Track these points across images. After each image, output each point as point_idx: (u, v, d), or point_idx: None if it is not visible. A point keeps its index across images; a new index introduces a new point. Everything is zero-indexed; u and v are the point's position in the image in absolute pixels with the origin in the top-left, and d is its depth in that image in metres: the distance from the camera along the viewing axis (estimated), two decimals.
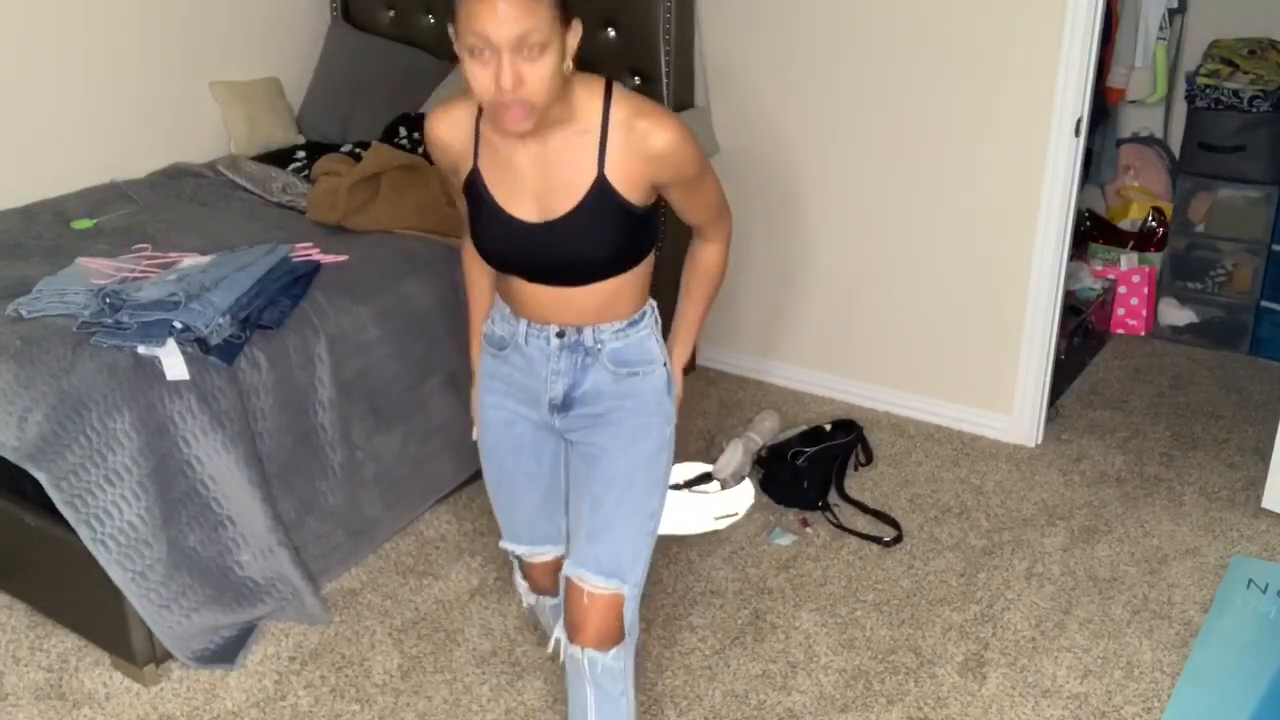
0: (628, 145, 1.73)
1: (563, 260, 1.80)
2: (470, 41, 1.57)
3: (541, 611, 2.36)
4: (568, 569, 1.92)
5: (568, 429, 1.95)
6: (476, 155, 1.80)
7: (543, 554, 2.13)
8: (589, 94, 1.73)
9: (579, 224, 1.76)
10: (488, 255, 1.86)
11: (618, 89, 1.76)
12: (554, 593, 2.19)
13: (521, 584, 2.26)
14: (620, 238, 1.80)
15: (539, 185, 1.77)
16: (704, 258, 2.03)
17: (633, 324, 1.89)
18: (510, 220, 1.79)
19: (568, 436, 1.97)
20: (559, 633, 1.96)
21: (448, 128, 1.82)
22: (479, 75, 1.60)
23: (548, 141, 1.74)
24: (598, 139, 1.73)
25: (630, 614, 1.92)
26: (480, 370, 2.02)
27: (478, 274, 2.05)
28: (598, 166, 1.74)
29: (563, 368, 1.89)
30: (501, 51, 1.56)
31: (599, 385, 1.90)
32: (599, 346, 1.88)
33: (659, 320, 1.97)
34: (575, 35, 1.66)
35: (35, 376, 2.32)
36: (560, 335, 1.87)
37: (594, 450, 1.92)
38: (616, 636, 1.91)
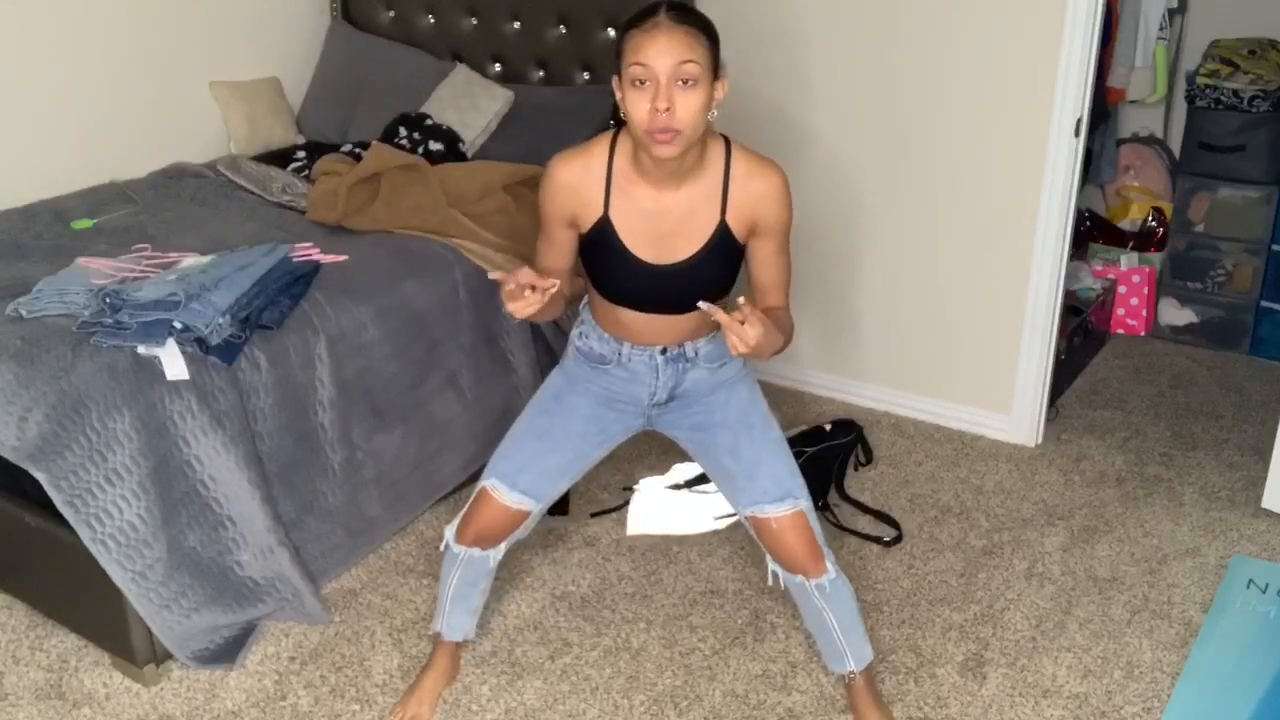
0: (743, 191, 1.98)
1: (679, 295, 2.02)
2: (634, 72, 1.82)
3: (456, 569, 2.30)
4: (745, 511, 2.13)
5: (661, 418, 2.20)
6: (608, 204, 1.98)
7: (520, 503, 2.18)
8: (715, 148, 1.99)
9: (701, 265, 2.01)
10: (609, 294, 2.08)
11: (736, 145, 2.02)
12: (483, 547, 2.23)
13: (451, 532, 2.26)
14: (728, 274, 2.06)
15: (667, 230, 1.99)
16: (772, 312, 2.12)
17: (719, 327, 2.08)
18: (639, 263, 2.01)
19: (659, 425, 2.21)
20: (774, 566, 2.15)
21: (579, 171, 2.01)
22: (637, 102, 1.83)
23: (680, 189, 1.97)
24: (721, 188, 1.98)
25: (815, 525, 2.13)
26: (572, 373, 2.22)
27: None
28: (720, 213, 1.98)
29: (665, 376, 2.15)
30: (660, 78, 1.80)
31: (697, 381, 2.16)
32: (696, 353, 2.14)
33: None
34: (722, 90, 1.91)
35: (35, 376, 2.32)
36: (664, 352, 2.12)
37: (699, 418, 2.17)
38: (819, 553, 2.11)
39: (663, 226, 1.99)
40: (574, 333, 2.25)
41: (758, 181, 1.99)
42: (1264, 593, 2.75)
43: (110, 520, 2.30)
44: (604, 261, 2.04)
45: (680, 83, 1.81)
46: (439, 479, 3.04)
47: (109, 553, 2.30)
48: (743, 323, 1.80)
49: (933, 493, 3.20)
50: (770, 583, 2.19)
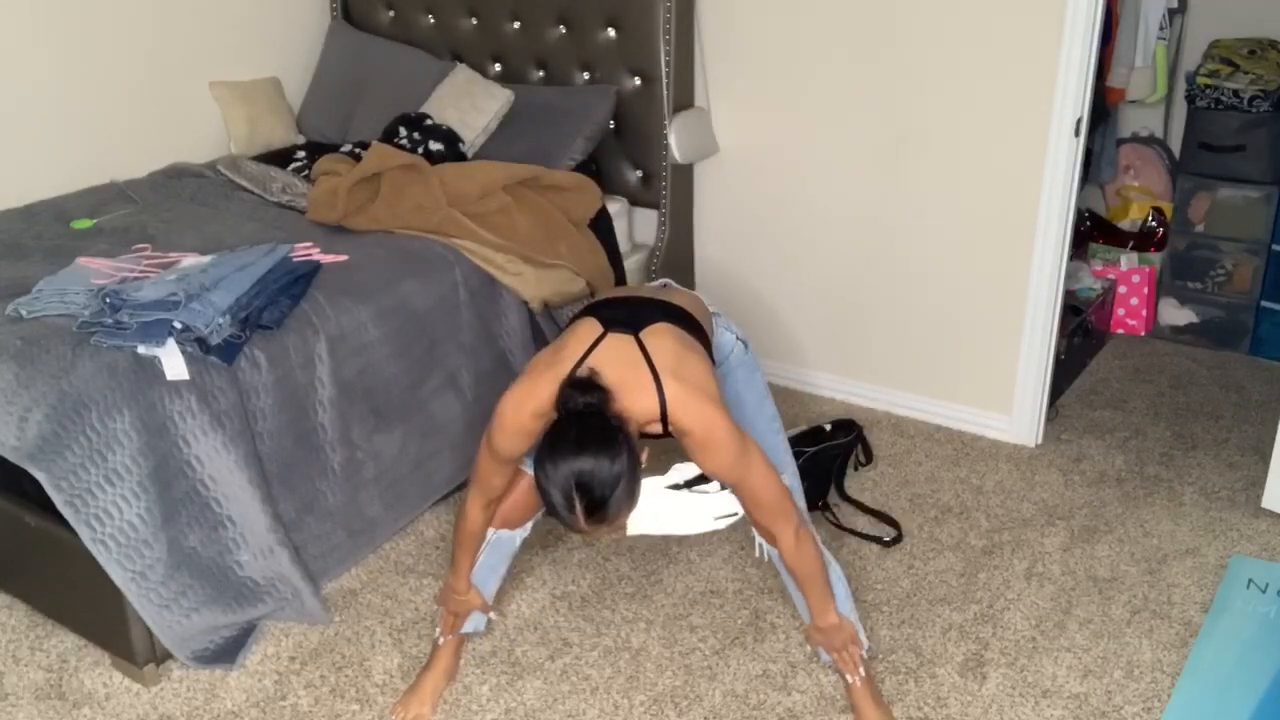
0: (680, 436, 2.05)
1: None
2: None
3: (502, 548, 2.43)
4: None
5: None
6: None
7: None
8: (645, 402, 2.00)
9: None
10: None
11: (667, 385, 2.01)
12: (514, 525, 2.37)
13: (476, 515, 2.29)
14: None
15: None
16: (784, 556, 2.21)
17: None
18: None
19: None
20: (760, 540, 2.25)
21: (529, 417, 2.04)
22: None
23: None
24: (659, 421, 2.02)
25: (800, 502, 2.24)
26: None
27: (477, 527, 2.29)
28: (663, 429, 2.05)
29: None
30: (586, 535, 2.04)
31: None
32: None
33: (720, 313, 2.43)
34: (644, 456, 1.96)
35: (35, 376, 2.32)
36: None
37: None
38: (793, 518, 2.15)
39: None
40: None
41: (685, 440, 2.05)
42: (1264, 593, 2.75)
43: (110, 520, 2.29)
44: None
45: (606, 529, 1.94)
46: (439, 479, 3.04)
47: (109, 553, 2.30)
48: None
49: (933, 493, 3.20)
50: (757, 554, 2.32)
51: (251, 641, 2.59)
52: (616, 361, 1.99)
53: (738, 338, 2.40)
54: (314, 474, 2.71)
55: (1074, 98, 3.06)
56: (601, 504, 1.87)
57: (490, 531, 2.35)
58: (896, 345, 3.59)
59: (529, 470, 2.21)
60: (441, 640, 2.43)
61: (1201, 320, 4.13)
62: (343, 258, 2.89)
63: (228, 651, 2.54)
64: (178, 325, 2.40)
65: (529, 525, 2.39)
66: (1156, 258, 4.22)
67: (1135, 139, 4.41)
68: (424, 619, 2.69)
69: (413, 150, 3.41)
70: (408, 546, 2.96)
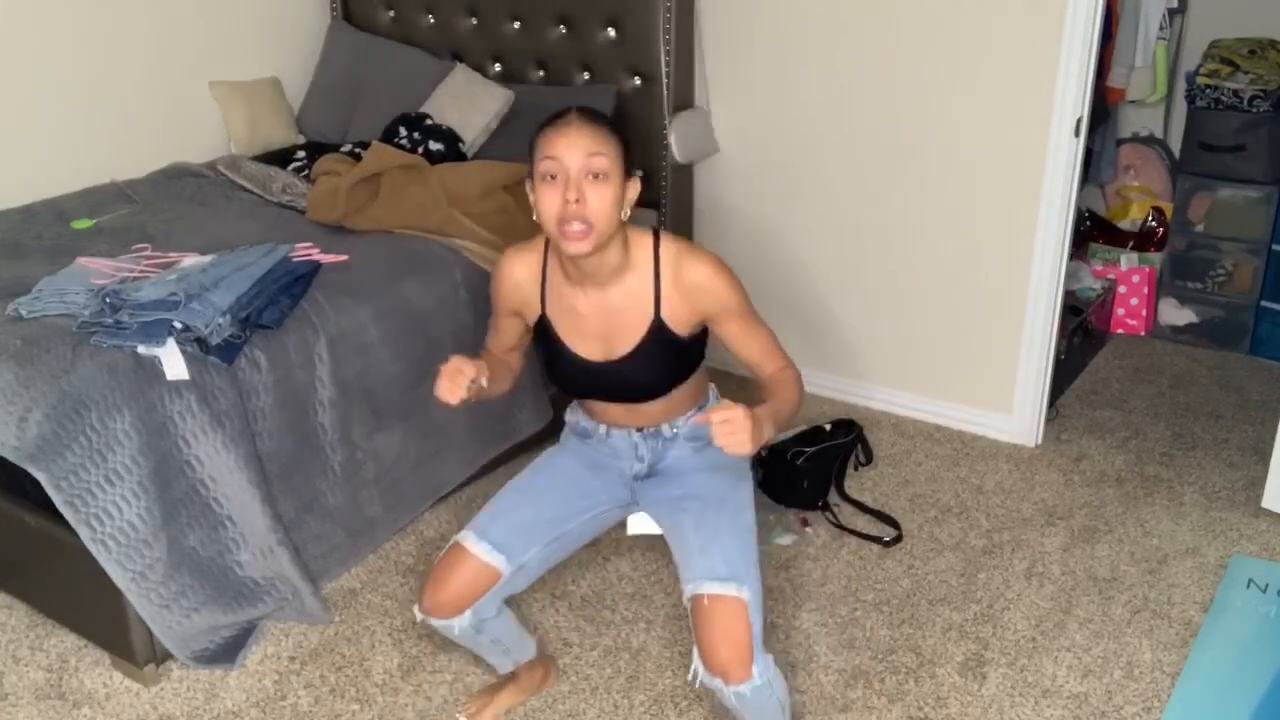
0: (676, 285, 1.96)
1: (625, 389, 2.05)
2: (545, 167, 1.83)
3: (447, 635, 2.14)
4: (688, 589, 1.93)
5: (644, 490, 2.16)
6: (545, 302, 2.03)
7: (489, 558, 2.01)
8: (641, 244, 1.97)
9: (639, 361, 1.99)
10: (560, 384, 2.12)
11: (664, 235, 1.99)
12: (445, 616, 2.05)
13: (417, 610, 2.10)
14: (674, 367, 2.04)
15: (602, 328, 1.99)
16: (771, 373, 2.08)
17: (700, 408, 2.13)
18: (577, 359, 2.03)
19: (643, 498, 2.16)
20: (697, 663, 1.91)
21: (523, 268, 2.05)
22: (549, 197, 1.83)
23: (608, 290, 1.97)
24: (652, 283, 1.96)
25: (757, 622, 1.90)
26: (564, 441, 2.26)
27: (498, 361, 2.19)
28: (654, 310, 1.97)
29: (645, 451, 2.14)
30: (570, 172, 1.81)
31: (680, 458, 2.15)
32: (675, 433, 2.13)
33: (717, 392, 2.23)
34: (634, 189, 1.92)
35: (35, 376, 2.32)
36: (639, 429, 2.13)
37: (678, 491, 2.10)
38: (747, 657, 1.87)
39: (597, 326, 2.00)
40: (567, 410, 2.27)
41: (687, 275, 1.95)
42: (1264, 593, 2.75)
43: (110, 520, 2.30)
44: (549, 356, 2.09)
45: (591, 176, 1.82)
46: (439, 479, 3.04)
47: (109, 553, 2.30)
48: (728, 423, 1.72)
49: (933, 493, 3.20)
50: (689, 678, 1.95)
51: (251, 641, 2.59)
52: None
53: None
54: (314, 474, 2.71)
55: (1074, 98, 3.07)
56: (595, 111, 1.88)
57: (421, 616, 2.07)
58: (896, 345, 3.59)
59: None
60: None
61: (1201, 320, 4.13)
62: (343, 258, 2.89)
63: (228, 651, 2.54)
64: (178, 325, 2.40)
65: (467, 616, 2.05)
66: (1156, 258, 4.22)
67: (1135, 139, 4.42)
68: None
69: (413, 150, 3.41)
70: (408, 546, 2.96)
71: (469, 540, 2.03)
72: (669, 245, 1.98)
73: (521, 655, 2.31)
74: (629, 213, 1.92)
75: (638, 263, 1.96)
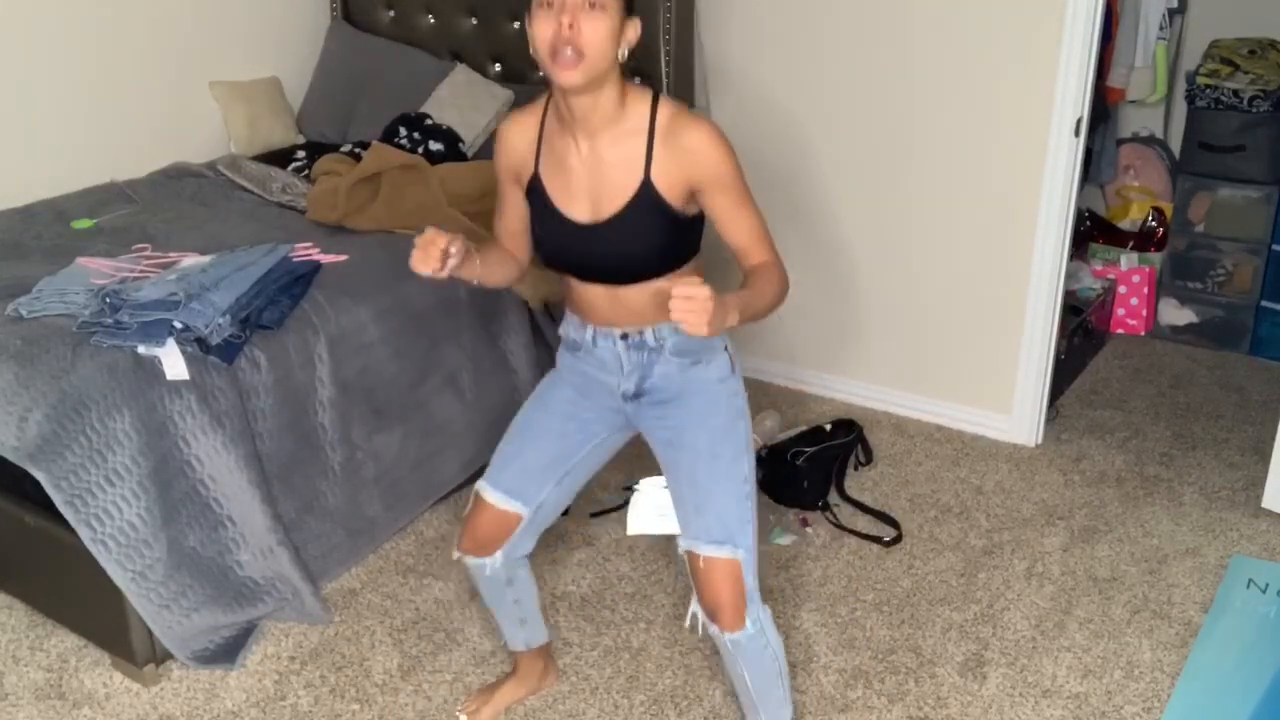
0: (669, 148, 1.86)
1: (610, 259, 1.93)
2: None
3: (477, 581, 2.30)
4: (683, 544, 2.02)
5: (638, 414, 2.08)
6: (539, 161, 1.96)
7: (508, 505, 2.12)
8: (638, 100, 1.89)
9: (626, 225, 1.90)
10: (543, 250, 2.03)
11: (664, 98, 1.90)
12: (479, 554, 2.18)
13: (458, 546, 2.23)
14: (663, 240, 1.92)
15: (591, 187, 1.91)
16: (757, 265, 1.98)
17: None
18: (565, 220, 1.94)
19: (639, 424, 2.10)
20: (695, 608, 2.04)
21: (517, 130, 2.00)
22: (543, 24, 1.77)
23: (598, 141, 1.88)
24: (645, 143, 1.87)
25: (750, 578, 2.00)
26: (559, 364, 2.18)
27: (500, 248, 2.14)
28: (644, 171, 1.87)
29: (631, 365, 2.04)
30: (566, 2, 1.74)
31: (666, 375, 2.03)
32: (661, 343, 2.00)
33: None
34: (634, 30, 1.83)
35: (35, 376, 2.32)
36: (624, 338, 2.02)
37: (671, 434, 2.05)
38: (742, 606, 1.99)
39: (586, 182, 1.91)
40: (560, 324, 2.21)
41: (681, 137, 1.85)
42: (1264, 593, 2.75)
43: (110, 520, 2.29)
44: (538, 220, 2.00)
45: (588, 5, 1.75)
46: (439, 479, 3.04)
47: (109, 553, 2.30)
48: (688, 299, 1.65)
49: (933, 493, 3.20)
50: (688, 624, 2.06)
51: (251, 641, 2.59)
52: None
53: (725, 347, 2.06)
54: (314, 474, 2.71)
55: (1074, 98, 3.07)
56: None
57: (458, 554, 2.21)
58: (896, 345, 3.59)
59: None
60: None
61: (1201, 320, 4.13)
62: (343, 258, 2.89)
63: (228, 651, 2.54)
64: (178, 325, 2.40)
65: (499, 556, 2.18)
66: (1156, 258, 4.22)
67: (1135, 139, 4.41)
68: (424, 619, 2.69)
69: (413, 150, 3.41)
70: (408, 546, 2.96)
71: (485, 490, 2.14)
72: (667, 107, 1.89)
73: (534, 636, 2.37)
74: (626, 55, 1.83)
75: (633, 119, 1.88)
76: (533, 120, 1.99)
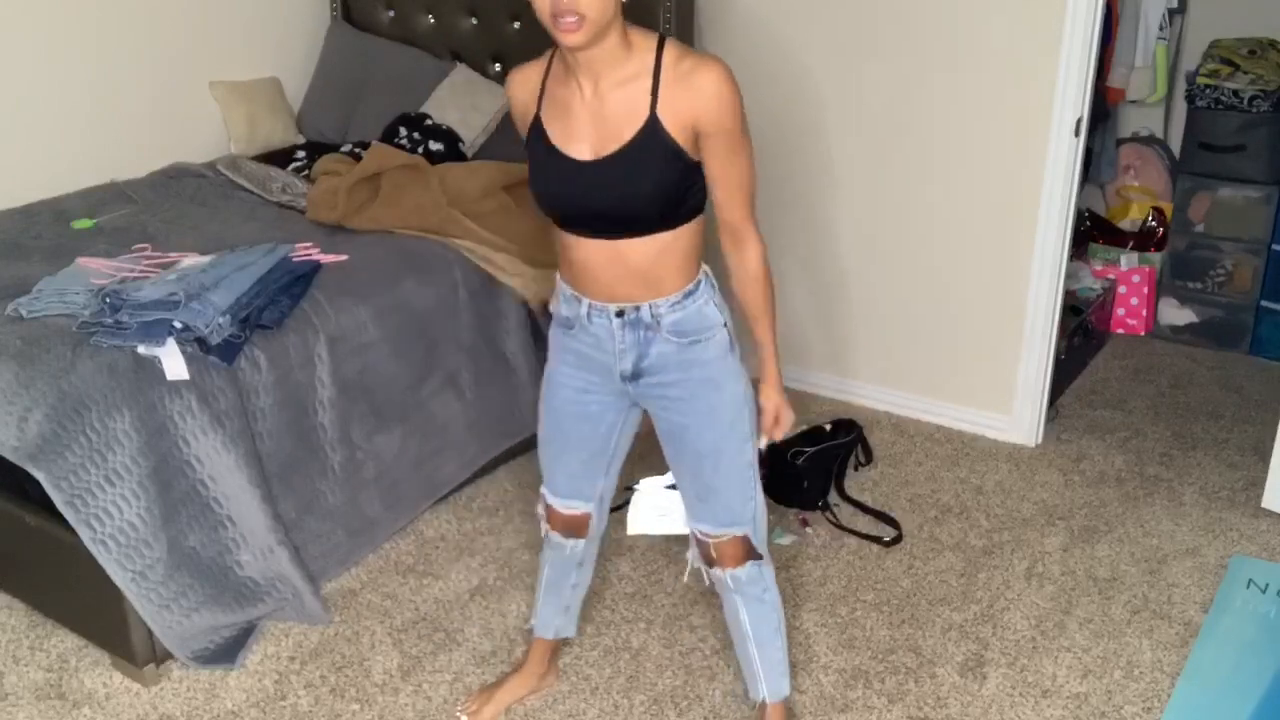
0: (676, 85, 1.82)
1: (611, 198, 1.87)
2: None
3: (549, 557, 2.37)
4: (690, 523, 2.13)
5: (641, 396, 2.07)
6: (541, 103, 1.94)
7: (572, 507, 2.24)
8: (644, 40, 1.86)
9: (629, 161, 1.85)
10: (541, 197, 1.96)
11: (670, 40, 1.88)
12: (569, 536, 2.29)
13: (542, 513, 2.31)
14: (667, 181, 1.86)
15: (595, 126, 1.87)
16: (745, 264, 2.00)
17: (688, 295, 1.96)
18: (564, 158, 1.89)
19: (642, 404, 2.11)
20: (697, 562, 2.17)
21: (519, 83, 1.99)
22: None
23: (603, 83, 1.85)
24: (650, 81, 1.84)
25: (757, 539, 2.11)
26: (554, 345, 2.16)
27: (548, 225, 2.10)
28: (650, 107, 1.83)
29: (627, 343, 2.00)
30: None
31: (664, 355, 1.99)
32: (657, 320, 1.96)
33: (715, 284, 2.03)
34: None
35: (35, 376, 2.32)
36: (620, 314, 1.97)
37: (675, 429, 2.05)
38: (748, 557, 2.12)
39: (589, 122, 1.88)
40: (550, 302, 2.18)
41: (694, 76, 1.82)
42: (1264, 593, 2.75)
43: (110, 520, 2.30)
44: (536, 163, 1.95)
45: None
46: (439, 479, 3.04)
47: (109, 553, 2.30)
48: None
49: (933, 493, 3.20)
50: (686, 578, 2.23)
51: (251, 641, 2.59)
52: None
53: (725, 324, 2.02)
54: (314, 474, 2.71)
55: (1074, 98, 3.07)
56: None
57: (547, 532, 2.30)
58: (897, 345, 3.59)
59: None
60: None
61: (1201, 320, 4.13)
62: (343, 258, 2.89)
63: (228, 651, 2.54)
64: (178, 325, 2.40)
65: (583, 542, 2.29)
66: (1156, 257, 4.22)
67: (1135, 139, 4.41)
68: (424, 619, 2.69)
69: (413, 150, 3.41)
70: (408, 546, 2.96)
71: (549, 497, 2.25)
72: (674, 48, 1.86)
73: (566, 627, 2.44)
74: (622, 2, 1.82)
75: (638, 59, 1.85)
76: (536, 71, 1.98)
